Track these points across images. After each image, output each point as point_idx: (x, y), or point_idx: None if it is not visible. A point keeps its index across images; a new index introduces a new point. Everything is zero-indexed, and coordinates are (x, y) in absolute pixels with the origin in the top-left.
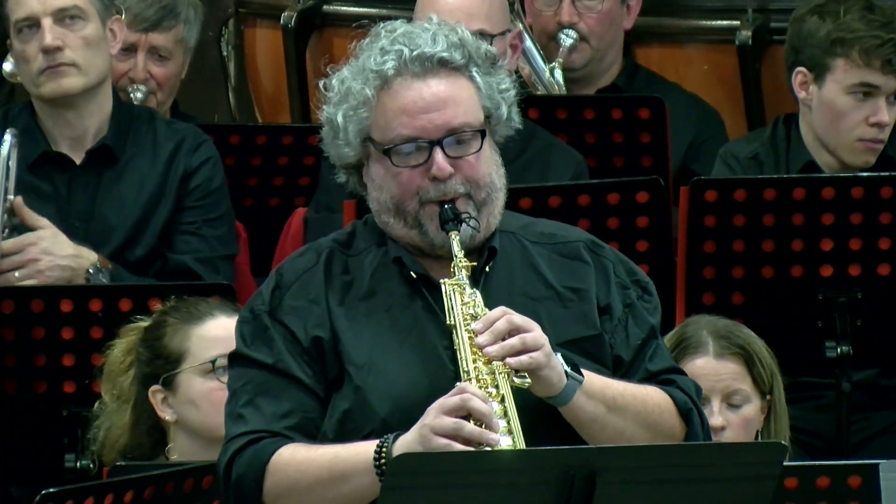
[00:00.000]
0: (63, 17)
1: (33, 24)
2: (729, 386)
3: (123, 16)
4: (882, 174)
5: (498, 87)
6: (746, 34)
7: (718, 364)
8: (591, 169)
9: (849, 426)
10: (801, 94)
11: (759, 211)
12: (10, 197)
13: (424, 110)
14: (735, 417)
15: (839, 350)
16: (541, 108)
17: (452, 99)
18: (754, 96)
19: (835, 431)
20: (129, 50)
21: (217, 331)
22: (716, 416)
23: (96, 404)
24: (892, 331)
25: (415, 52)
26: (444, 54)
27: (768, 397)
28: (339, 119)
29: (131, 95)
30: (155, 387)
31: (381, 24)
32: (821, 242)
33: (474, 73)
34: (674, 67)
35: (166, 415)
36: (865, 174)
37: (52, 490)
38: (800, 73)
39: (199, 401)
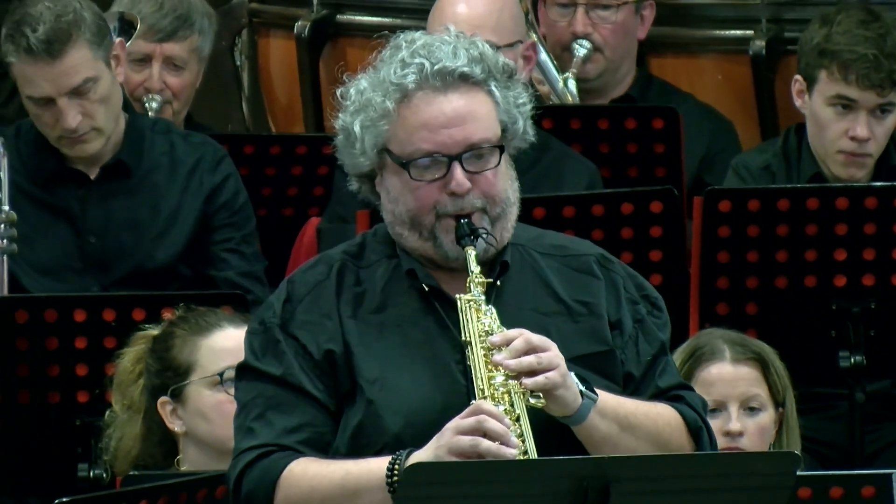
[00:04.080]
0: (78, 91)
1: (48, 101)
2: (746, 391)
3: (139, 25)
4: (895, 184)
5: (515, 101)
6: (760, 44)
7: (735, 369)
8: (604, 179)
9: (862, 436)
10: (798, 103)
11: (773, 221)
12: (6, 208)
13: (445, 125)
14: (752, 424)
15: (853, 360)
16: (555, 118)
17: (472, 114)
18: (768, 106)
19: (848, 442)
20: (145, 60)
21: (225, 342)
22: (734, 421)
23: (107, 414)
24: None
25: (436, 67)
26: (465, 69)
27: (780, 410)
28: (356, 128)
29: (146, 105)
30: (164, 398)
31: (401, 35)
32: (834, 252)
33: (493, 88)
34: (687, 77)
35: (175, 426)
36: (879, 184)
37: (65, 499)
38: (797, 82)
39: (209, 413)
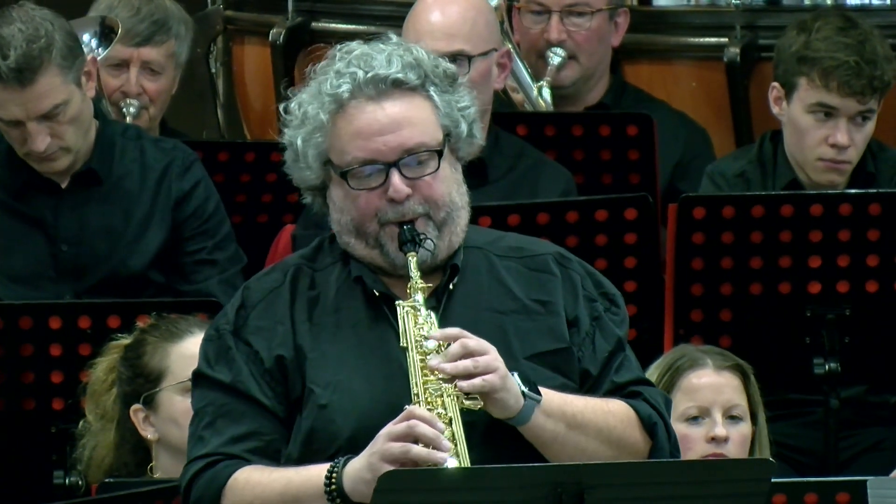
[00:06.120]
0: (48, 115)
1: (17, 122)
2: (730, 399)
3: (119, 30)
4: (869, 191)
5: (457, 104)
6: (735, 51)
7: (719, 376)
8: (579, 186)
9: (837, 443)
10: (776, 110)
11: (747, 228)
12: None
13: (379, 133)
14: (735, 432)
15: (827, 367)
16: (529, 125)
17: (407, 120)
18: (742, 113)
19: (823, 448)
20: (122, 65)
21: (196, 348)
22: (720, 427)
23: (80, 423)
24: (880, 347)
25: (369, 74)
26: (399, 75)
27: (753, 427)
28: (299, 143)
29: (124, 110)
30: (136, 406)
31: (338, 46)
32: (809, 259)
33: (431, 93)
34: (662, 84)
35: (148, 433)
36: (853, 191)
37: None
38: (774, 89)
39: (180, 419)
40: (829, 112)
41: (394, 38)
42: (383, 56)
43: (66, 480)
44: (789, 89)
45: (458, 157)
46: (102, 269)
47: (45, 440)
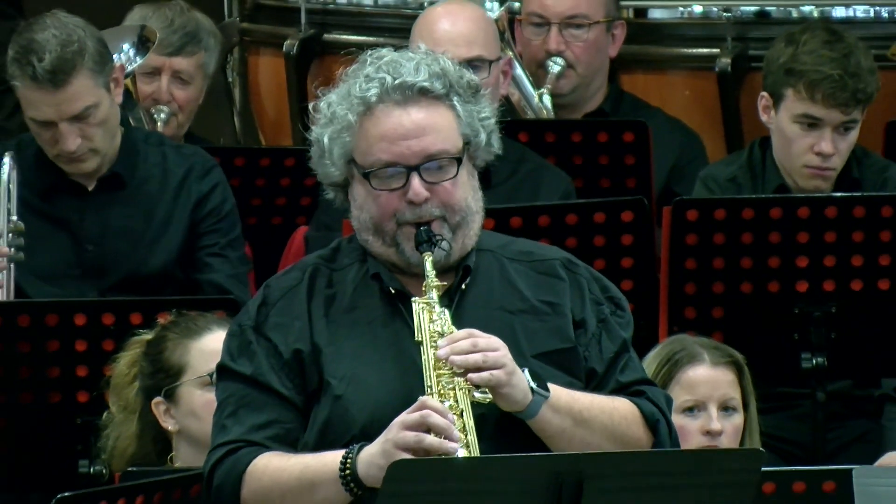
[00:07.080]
0: (78, 117)
1: (49, 123)
2: (726, 393)
3: (155, 40)
4: (854, 194)
5: (478, 115)
6: (726, 62)
7: (716, 371)
8: (578, 189)
9: (824, 434)
10: (764, 118)
11: (738, 229)
12: (14, 218)
13: (403, 137)
14: (729, 424)
15: (814, 361)
16: (530, 131)
17: (431, 126)
18: (733, 121)
19: (811, 439)
20: (154, 73)
21: (215, 344)
22: (715, 421)
23: (104, 415)
24: (865, 343)
25: (397, 81)
26: (426, 83)
27: (745, 414)
28: (326, 141)
29: (155, 116)
30: (157, 399)
31: (369, 52)
32: (797, 259)
33: (455, 102)
34: (657, 93)
35: (169, 425)
36: (839, 195)
37: (66, 494)
38: (763, 98)
39: (200, 411)
40: (814, 122)
41: (423, 47)
42: (412, 64)
43: (91, 469)
44: (777, 99)
45: (476, 164)
46: (123, 269)
47: (71, 431)
